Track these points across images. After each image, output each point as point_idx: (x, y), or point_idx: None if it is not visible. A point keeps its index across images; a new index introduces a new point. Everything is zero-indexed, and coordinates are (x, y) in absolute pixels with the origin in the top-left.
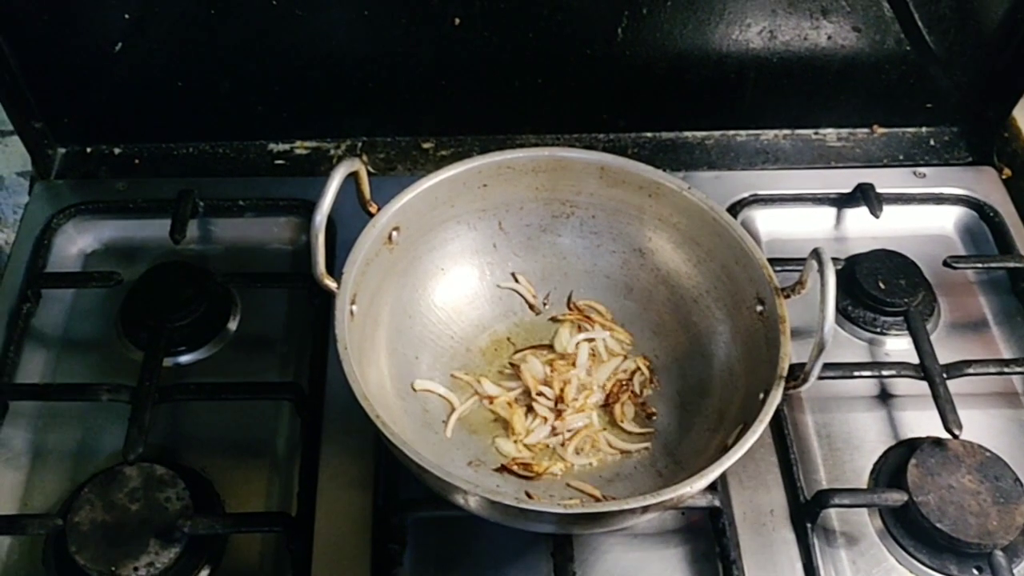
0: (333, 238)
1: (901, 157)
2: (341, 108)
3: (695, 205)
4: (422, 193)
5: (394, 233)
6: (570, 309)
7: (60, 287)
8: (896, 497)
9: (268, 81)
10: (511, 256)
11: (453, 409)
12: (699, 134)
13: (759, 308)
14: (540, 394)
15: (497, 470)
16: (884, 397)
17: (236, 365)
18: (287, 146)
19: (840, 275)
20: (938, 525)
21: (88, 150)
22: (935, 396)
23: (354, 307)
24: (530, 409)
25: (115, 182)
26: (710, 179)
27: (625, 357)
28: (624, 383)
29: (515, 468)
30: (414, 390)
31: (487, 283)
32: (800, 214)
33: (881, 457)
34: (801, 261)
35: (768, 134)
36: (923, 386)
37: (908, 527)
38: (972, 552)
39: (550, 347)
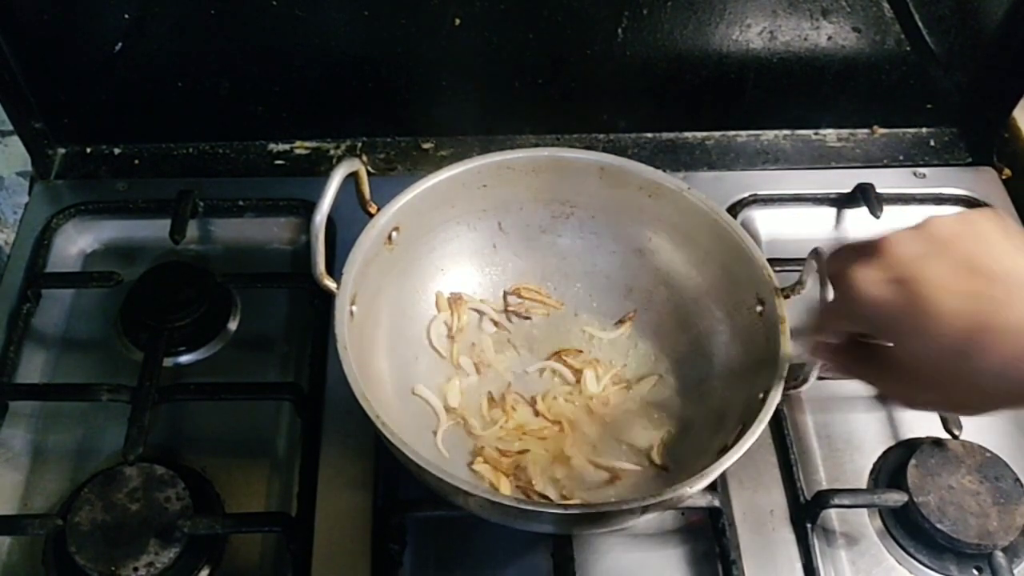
0: (333, 238)
1: (901, 157)
2: (341, 108)
3: (695, 205)
4: (422, 193)
5: (394, 233)
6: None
7: (60, 287)
8: (896, 497)
9: (268, 81)
10: (511, 257)
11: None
12: (699, 134)
13: (759, 308)
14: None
15: None
16: (884, 397)
17: (236, 365)
18: (287, 146)
19: None
20: (938, 526)
21: (88, 150)
22: None
23: (354, 307)
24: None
25: (115, 182)
26: (710, 179)
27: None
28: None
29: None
30: (413, 393)
31: None
32: (800, 214)
33: (881, 457)
34: (801, 261)
35: (768, 134)
36: None
37: (908, 527)
38: (972, 552)
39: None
